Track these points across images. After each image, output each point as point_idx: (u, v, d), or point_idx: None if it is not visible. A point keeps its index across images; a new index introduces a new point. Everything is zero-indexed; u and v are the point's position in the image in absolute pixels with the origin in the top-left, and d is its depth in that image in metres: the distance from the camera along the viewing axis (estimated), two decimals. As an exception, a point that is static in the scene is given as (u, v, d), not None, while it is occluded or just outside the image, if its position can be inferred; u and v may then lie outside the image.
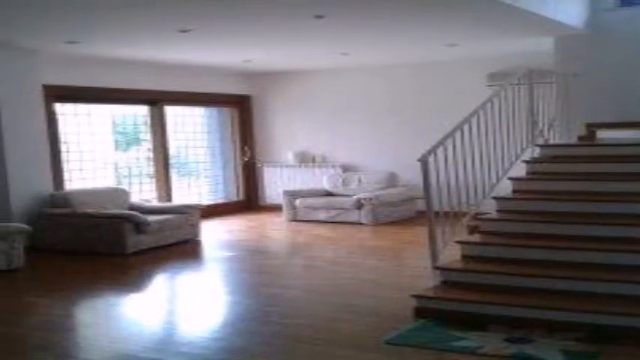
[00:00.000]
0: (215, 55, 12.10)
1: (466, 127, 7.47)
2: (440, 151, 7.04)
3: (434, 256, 6.90)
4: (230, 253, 10.78)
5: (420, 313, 6.51)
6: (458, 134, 7.33)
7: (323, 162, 15.09)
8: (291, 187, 14.65)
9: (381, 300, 7.37)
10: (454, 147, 7.24)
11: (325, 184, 14.26)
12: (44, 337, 6.56)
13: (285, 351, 5.97)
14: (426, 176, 6.75)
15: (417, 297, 6.65)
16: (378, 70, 14.22)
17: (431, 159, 6.87)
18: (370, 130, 14.48)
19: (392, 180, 13.80)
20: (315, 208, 13.52)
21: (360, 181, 14.01)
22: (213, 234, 12.48)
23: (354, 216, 13.05)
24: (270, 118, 15.75)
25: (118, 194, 11.76)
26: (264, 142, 15.88)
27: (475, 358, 5.45)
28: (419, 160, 6.77)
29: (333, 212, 13.29)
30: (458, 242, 7.20)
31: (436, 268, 6.91)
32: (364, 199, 12.93)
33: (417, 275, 8.00)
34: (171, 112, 14.45)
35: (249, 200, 15.92)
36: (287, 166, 15.36)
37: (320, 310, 7.16)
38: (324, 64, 13.87)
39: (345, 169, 14.74)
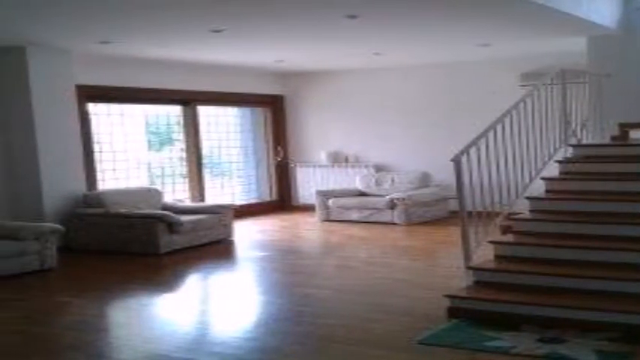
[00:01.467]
0: (248, 55, 12.14)
1: (499, 127, 7.45)
2: (473, 151, 7.02)
3: (467, 256, 6.88)
4: (263, 253, 10.80)
5: (453, 313, 6.50)
6: (491, 134, 7.31)
7: (356, 162, 15.09)
8: (324, 187, 14.65)
9: (414, 300, 7.36)
10: (487, 147, 7.22)
11: (358, 184, 14.25)
12: (77, 337, 6.61)
13: (318, 351, 5.98)
14: (459, 176, 6.74)
15: (450, 297, 6.63)
16: (411, 70, 14.19)
17: (464, 159, 6.86)
18: (403, 130, 14.45)
19: (425, 180, 13.77)
20: (348, 208, 13.51)
21: (392, 181, 13.99)
22: (246, 234, 12.50)
23: (387, 216, 13.03)
24: (302, 118, 15.77)
25: (151, 194, 11.80)
26: (296, 141, 15.90)
27: (508, 358, 5.43)
28: (452, 160, 6.76)
29: (366, 212, 13.28)
30: (491, 242, 7.17)
31: (469, 268, 6.89)
32: (397, 199, 12.91)
33: (450, 275, 7.99)
34: (204, 112, 14.51)
35: (282, 200, 15.94)
36: (320, 166, 15.37)
37: (353, 310, 7.17)
38: (357, 64, 13.87)
39: (378, 169, 14.73)
